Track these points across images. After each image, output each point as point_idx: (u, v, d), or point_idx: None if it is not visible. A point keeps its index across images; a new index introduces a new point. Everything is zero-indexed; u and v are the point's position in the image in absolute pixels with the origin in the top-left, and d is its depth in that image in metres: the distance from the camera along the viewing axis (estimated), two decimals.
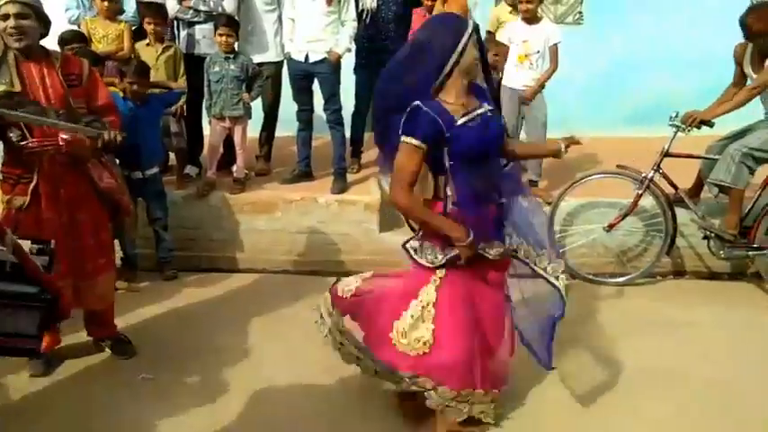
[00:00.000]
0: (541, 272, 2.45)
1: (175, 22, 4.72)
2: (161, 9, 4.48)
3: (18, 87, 2.56)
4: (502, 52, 4.52)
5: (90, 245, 2.88)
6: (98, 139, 2.71)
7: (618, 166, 4.18)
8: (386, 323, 2.39)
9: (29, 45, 2.59)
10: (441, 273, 2.32)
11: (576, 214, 4.35)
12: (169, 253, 4.23)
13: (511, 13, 4.86)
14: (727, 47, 4.01)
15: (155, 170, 4.08)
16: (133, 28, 4.59)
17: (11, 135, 2.58)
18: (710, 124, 3.84)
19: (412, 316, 2.32)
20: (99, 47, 4.37)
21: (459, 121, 2.17)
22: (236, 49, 4.45)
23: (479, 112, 2.23)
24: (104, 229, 3.00)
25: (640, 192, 3.98)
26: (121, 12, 4.56)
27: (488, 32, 4.97)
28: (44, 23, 2.67)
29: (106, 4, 4.35)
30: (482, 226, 2.28)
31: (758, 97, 3.84)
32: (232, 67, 4.38)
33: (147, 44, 4.47)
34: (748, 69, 3.86)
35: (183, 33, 4.69)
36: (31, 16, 2.57)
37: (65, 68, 2.71)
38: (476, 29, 2.19)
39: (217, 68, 4.40)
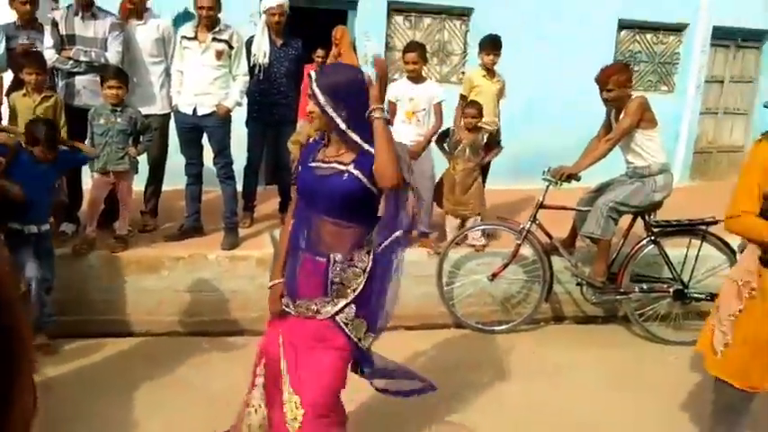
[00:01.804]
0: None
1: (54, 71, 4.52)
2: (40, 58, 4.27)
3: None
4: (471, 114, 4.62)
5: None
6: None
7: (498, 217, 4.44)
8: None
9: None
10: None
11: (462, 265, 4.55)
12: (49, 318, 3.84)
13: (484, 77, 4.94)
14: (596, 106, 4.42)
15: (47, 226, 3.81)
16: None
17: None
18: (577, 178, 4.19)
19: None
20: None
21: (309, 164, 2.29)
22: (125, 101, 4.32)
23: (335, 166, 2.22)
24: None
25: (519, 242, 4.24)
26: None
27: (462, 96, 4.98)
28: None
29: None
30: (292, 275, 2.33)
31: (621, 150, 4.25)
32: (119, 120, 4.23)
33: (24, 94, 4.22)
34: (614, 122, 4.28)
35: (62, 84, 4.49)
36: None
37: None
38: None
39: (102, 121, 4.22)
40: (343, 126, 2.16)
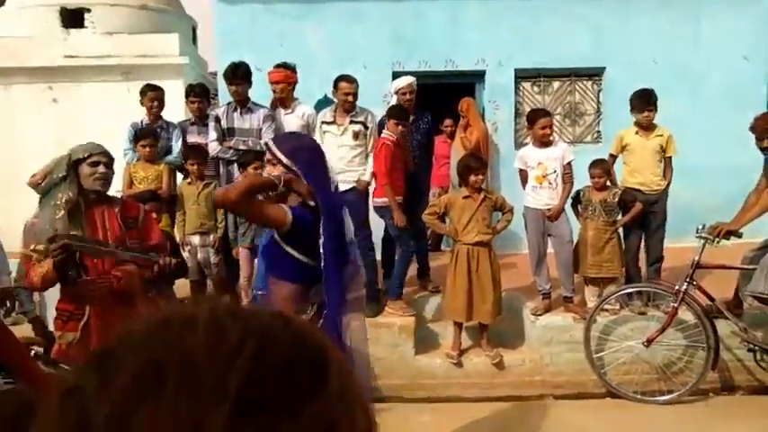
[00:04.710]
0: None
1: (217, 160, 5.07)
2: (202, 150, 4.86)
3: (86, 232, 2.78)
4: (596, 174, 4.50)
5: None
6: (153, 266, 2.86)
7: (650, 279, 4.16)
8: None
9: (106, 192, 2.86)
10: None
11: (612, 330, 4.28)
12: None
13: (637, 134, 4.64)
14: (747, 156, 4.11)
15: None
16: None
17: (70, 273, 2.75)
18: (738, 234, 3.85)
19: None
20: (140, 187, 4.73)
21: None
22: None
23: None
24: None
25: (676, 305, 3.93)
26: (163, 155, 4.96)
27: (611, 155, 4.79)
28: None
29: (147, 149, 4.75)
30: None
31: None
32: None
33: (189, 182, 4.80)
34: None
35: (223, 170, 5.02)
36: (111, 167, 2.89)
37: (123, 212, 2.94)
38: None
39: None
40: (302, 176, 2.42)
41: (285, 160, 2.43)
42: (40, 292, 3.33)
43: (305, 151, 2.50)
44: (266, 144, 2.56)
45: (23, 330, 3.49)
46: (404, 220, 4.56)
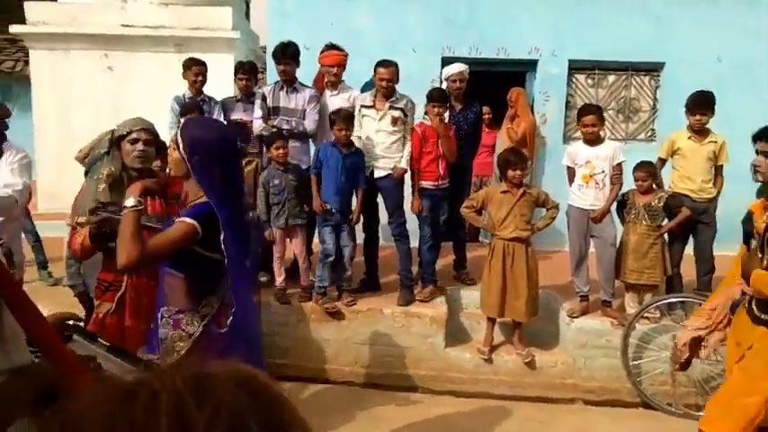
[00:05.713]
0: None
1: (261, 139, 5.08)
2: (244, 129, 4.87)
3: None
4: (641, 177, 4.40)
5: None
6: None
7: (696, 290, 4.00)
8: None
9: (148, 168, 2.88)
10: None
11: (651, 339, 4.15)
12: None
13: (690, 138, 4.46)
14: None
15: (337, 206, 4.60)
16: None
17: (110, 245, 2.80)
18: None
19: None
20: None
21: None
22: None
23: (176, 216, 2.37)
24: None
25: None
26: None
27: (660, 159, 4.62)
28: (157, 148, 2.98)
29: None
30: None
31: None
32: (290, 176, 4.58)
33: None
34: None
35: (265, 148, 5.04)
36: (152, 144, 2.90)
37: (167, 189, 2.97)
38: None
39: (277, 181, 4.52)
40: (190, 173, 2.27)
41: (182, 150, 2.27)
42: (82, 261, 3.41)
43: (208, 147, 2.26)
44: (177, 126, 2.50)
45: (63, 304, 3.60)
46: (419, 207, 4.61)
